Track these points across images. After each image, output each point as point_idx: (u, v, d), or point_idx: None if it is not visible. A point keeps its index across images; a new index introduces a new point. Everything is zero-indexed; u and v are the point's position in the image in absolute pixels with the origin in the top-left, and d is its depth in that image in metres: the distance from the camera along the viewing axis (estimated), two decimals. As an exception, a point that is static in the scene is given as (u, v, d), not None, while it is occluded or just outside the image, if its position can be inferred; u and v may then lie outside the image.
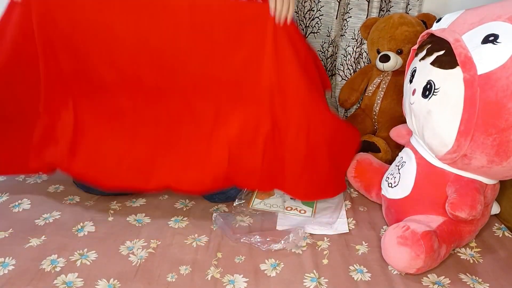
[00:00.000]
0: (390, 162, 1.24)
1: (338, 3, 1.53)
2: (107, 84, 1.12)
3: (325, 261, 1.02)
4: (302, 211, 1.21)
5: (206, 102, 1.12)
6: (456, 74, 0.88)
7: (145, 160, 1.14)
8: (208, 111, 1.13)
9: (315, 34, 1.62)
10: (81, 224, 1.12)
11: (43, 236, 1.07)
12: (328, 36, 1.61)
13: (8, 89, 1.13)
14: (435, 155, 0.99)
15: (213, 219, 1.13)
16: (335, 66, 1.65)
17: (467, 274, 0.99)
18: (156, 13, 1.05)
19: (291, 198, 1.26)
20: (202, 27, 1.05)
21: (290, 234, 1.06)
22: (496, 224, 1.16)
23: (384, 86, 1.48)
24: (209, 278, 0.96)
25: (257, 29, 1.05)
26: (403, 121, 1.14)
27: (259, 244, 1.05)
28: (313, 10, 1.58)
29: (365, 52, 1.56)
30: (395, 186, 1.10)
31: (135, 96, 1.12)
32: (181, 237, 1.08)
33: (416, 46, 1.04)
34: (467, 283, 0.96)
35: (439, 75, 0.92)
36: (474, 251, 1.07)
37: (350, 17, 1.53)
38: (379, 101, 1.49)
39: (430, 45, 0.97)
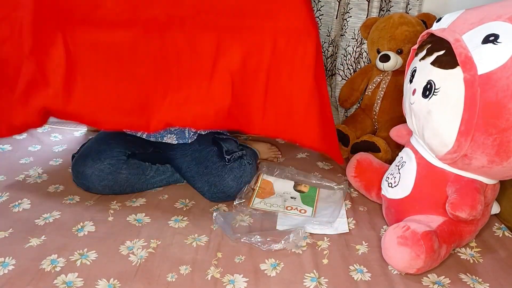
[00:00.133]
0: (390, 162, 1.24)
1: (338, 3, 1.53)
2: (101, 10, 1.02)
3: (325, 261, 1.02)
4: (302, 211, 1.21)
5: (206, 32, 1.05)
6: (456, 74, 0.88)
7: (145, 98, 1.07)
8: (209, 43, 1.06)
9: (315, 33, 1.62)
10: (81, 224, 1.12)
11: (43, 236, 1.06)
12: (328, 36, 1.61)
13: None
14: (435, 155, 0.99)
15: (213, 218, 1.13)
16: (335, 66, 1.65)
17: (467, 274, 0.99)
18: None
19: (291, 198, 1.26)
20: None
21: (290, 234, 1.06)
22: (496, 224, 1.16)
23: (384, 86, 1.48)
24: (209, 278, 0.96)
25: None
26: (403, 121, 1.14)
27: (259, 244, 1.05)
28: (313, 10, 1.58)
29: (365, 52, 1.56)
30: (395, 186, 1.10)
31: (132, 29, 1.04)
32: (181, 237, 1.08)
33: (416, 46, 1.04)
34: (467, 283, 0.96)
35: (439, 75, 0.92)
36: (474, 251, 1.07)
37: (350, 16, 1.53)
38: (379, 101, 1.49)
39: (430, 45, 0.97)
